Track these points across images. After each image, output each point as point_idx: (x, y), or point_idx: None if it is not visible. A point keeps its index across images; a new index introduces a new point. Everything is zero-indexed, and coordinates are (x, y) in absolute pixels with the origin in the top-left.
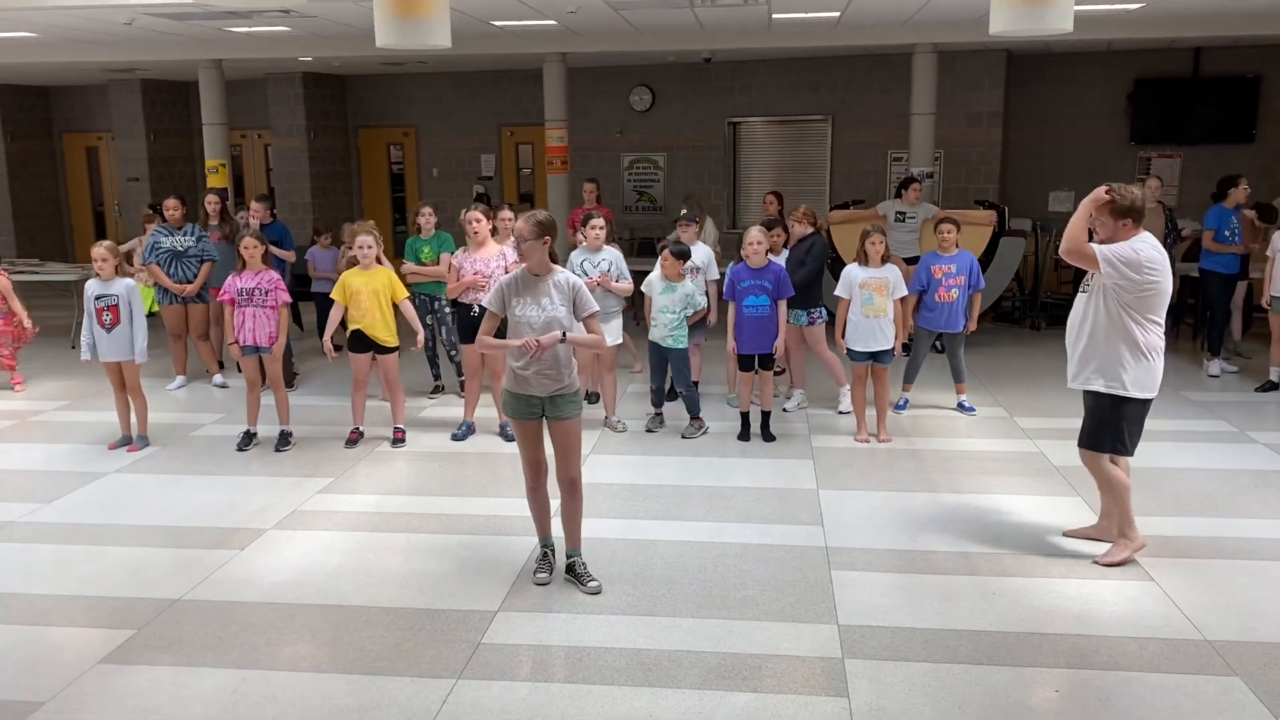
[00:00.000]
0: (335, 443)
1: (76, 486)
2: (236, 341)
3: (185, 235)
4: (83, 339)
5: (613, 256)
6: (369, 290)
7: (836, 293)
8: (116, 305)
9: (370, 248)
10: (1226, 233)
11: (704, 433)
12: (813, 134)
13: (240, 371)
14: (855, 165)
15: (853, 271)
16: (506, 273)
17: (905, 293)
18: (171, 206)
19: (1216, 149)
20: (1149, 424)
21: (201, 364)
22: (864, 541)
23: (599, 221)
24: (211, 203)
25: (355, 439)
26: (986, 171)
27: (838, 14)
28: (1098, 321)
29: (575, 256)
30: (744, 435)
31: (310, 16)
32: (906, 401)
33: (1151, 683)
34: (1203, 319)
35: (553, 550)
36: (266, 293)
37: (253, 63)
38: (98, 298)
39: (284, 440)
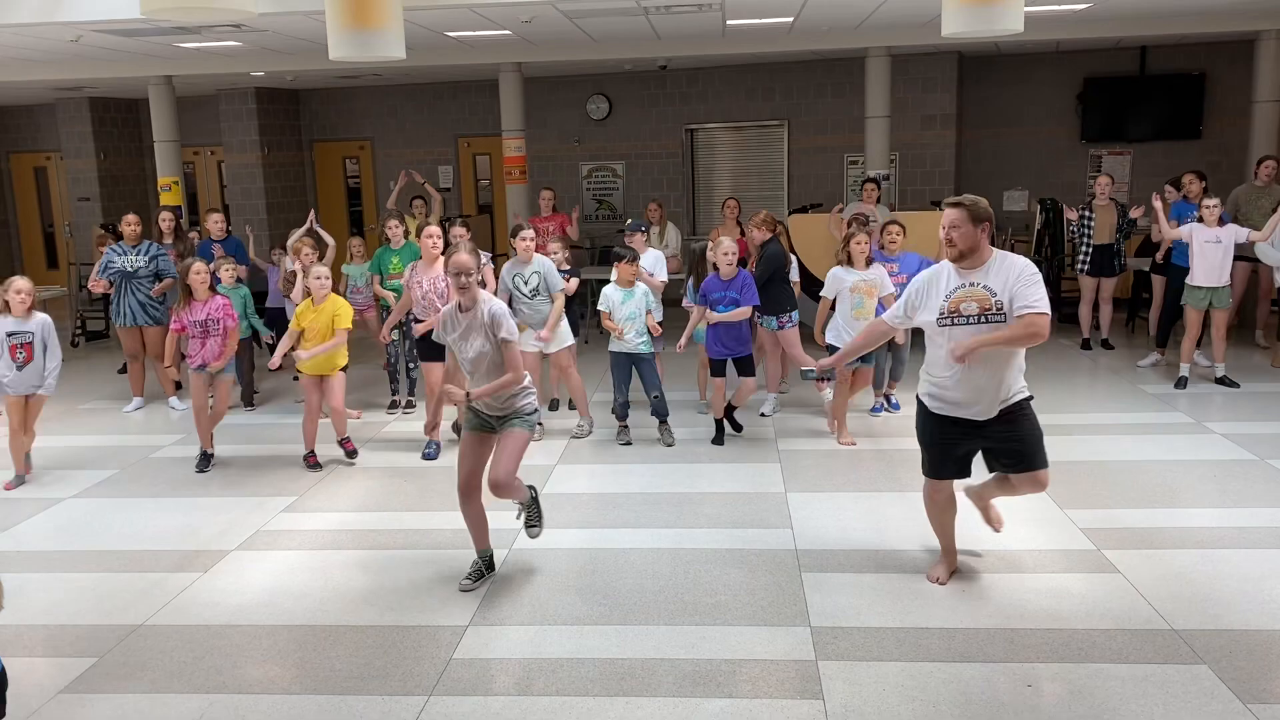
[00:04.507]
0: (297, 462)
1: (33, 513)
2: (189, 360)
3: (139, 255)
4: None
5: (542, 268)
6: (314, 329)
7: (822, 293)
8: (31, 343)
9: (326, 277)
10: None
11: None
12: (769, 139)
13: None
14: (812, 169)
15: (840, 274)
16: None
17: (891, 290)
18: (131, 222)
19: (1165, 145)
20: (1111, 416)
21: (160, 386)
22: (833, 543)
23: (528, 233)
24: (165, 220)
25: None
26: (941, 173)
27: (791, 19)
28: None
29: (506, 271)
30: (718, 439)
31: (262, 31)
32: (882, 406)
33: (1121, 673)
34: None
35: (487, 564)
36: (218, 322)
37: (204, 78)
38: (10, 334)
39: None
